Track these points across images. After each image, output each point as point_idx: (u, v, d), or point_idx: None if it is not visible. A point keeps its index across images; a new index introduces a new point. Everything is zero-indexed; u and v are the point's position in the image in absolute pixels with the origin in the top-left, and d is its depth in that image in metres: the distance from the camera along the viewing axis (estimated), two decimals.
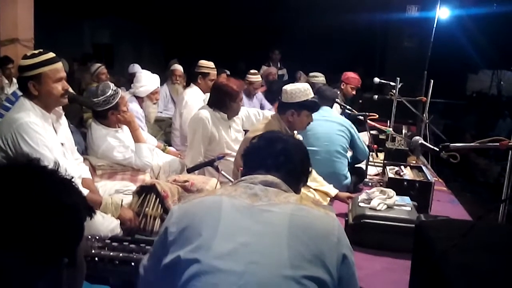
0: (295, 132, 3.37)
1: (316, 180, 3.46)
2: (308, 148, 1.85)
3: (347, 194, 3.48)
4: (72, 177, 1.01)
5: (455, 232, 1.32)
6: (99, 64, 6.57)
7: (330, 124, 4.03)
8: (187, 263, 1.40)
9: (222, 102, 3.70)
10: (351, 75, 5.91)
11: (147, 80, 4.58)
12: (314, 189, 3.42)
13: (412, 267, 1.64)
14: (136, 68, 6.69)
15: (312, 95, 3.33)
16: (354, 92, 5.85)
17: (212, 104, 3.74)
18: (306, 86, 3.36)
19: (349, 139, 4.04)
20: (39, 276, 0.91)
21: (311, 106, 3.32)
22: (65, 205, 0.95)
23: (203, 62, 5.16)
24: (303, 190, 3.18)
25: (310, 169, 1.81)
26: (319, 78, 5.91)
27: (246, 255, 1.38)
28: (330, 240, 1.43)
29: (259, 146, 1.75)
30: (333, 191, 3.46)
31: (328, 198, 3.40)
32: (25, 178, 0.94)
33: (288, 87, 3.34)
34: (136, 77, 4.69)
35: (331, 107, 4.30)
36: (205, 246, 1.40)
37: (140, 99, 4.58)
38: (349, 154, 4.19)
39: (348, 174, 3.97)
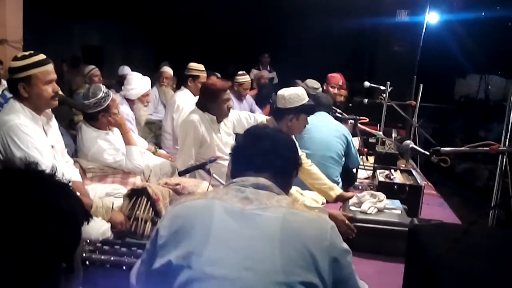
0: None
1: (319, 178, 3.42)
2: (303, 151, 1.83)
3: (351, 193, 3.32)
4: (69, 181, 1.00)
5: (448, 236, 1.33)
6: (92, 66, 6.53)
7: (327, 130, 4.04)
8: (178, 269, 1.38)
9: (206, 101, 3.69)
10: (330, 74, 5.77)
11: (138, 82, 4.57)
12: (315, 188, 3.41)
13: (406, 271, 1.64)
14: (126, 70, 6.67)
15: (307, 98, 3.34)
16: (335, 91, 5.64)
17: (199, 105, 3.74)
18: (302, 90, 3.36)
19: (345, 146, 4.05)
20: (37, 281, 0.91)
21: (308, 110, 3.33)
22: (63, 209, 0.94)
23: (193, 65, 5.15)
24: (295, 193, 3.20)
25: (300, 161, 1.78)
26: (318, 90, 5.70)
27: (238, 261, 1.37)
28: (322, 244, 1.42)
29: (245, 146, 1.71)
30: (337, 190, 3.39)
31: (321, 201, 3.39)
32: (23, 183, 0.94)
33: (284, 93, 3.30)
34: (127, 80, 4.67)
35: (328, 113, 4.30)
36: (197, 252, 1.39)
37: (131, 102, 4.57)
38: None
39: (340, 180, 3.98)
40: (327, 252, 1.41)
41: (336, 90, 5.68)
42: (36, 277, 0.90)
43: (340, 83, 5.77)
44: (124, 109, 4.34)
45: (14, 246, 0.88)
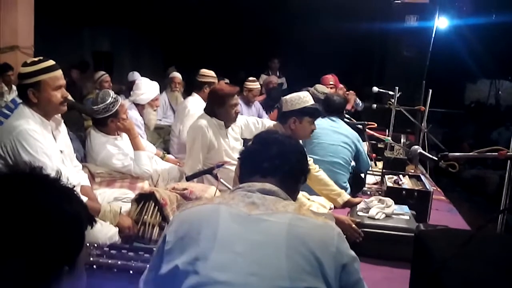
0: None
1: (327, 184, 3.41)
2: (310, 156, 1.82)
3: (359, 199, 3.32)
4: (74, 186, 1.01)
5: (455, 241, 1.32)
6: (102, 72, 6.59)
7: (337, 136, 4.03)
8: (185, 274, 1.38)
9: (214, 107, 3.71)
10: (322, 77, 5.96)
11: (147, 87, 4.60)
12: (323, 194, 3.40)
13: (412, 277, 1.63)
14: (135, 75, 6.69)
15: (312, 102, 3.34)
16: (334, 91, 5.66)
17: (207, 110, 3.76)
18: (305, 93, 3.37)
19: (353, 152, 4.04)
20: (40, 284, 0.91)
21: (312, 113, 3.32)
22: (67, 213, 0.95)
23: (208, 72, 5.14)
24: (302, 198, 3.19)
25: (308, 168, 1.77)
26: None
27: (244, 266, 1.37)
28: (328, 250, 1.41)
29: (254, 150, 1.72)
30: (345, 196, 3.38)
31: (328, 207, 3.37)
32: (27, 187, 0.95)
33: (287, 96, 3.35)
34: (136, 85, 4.70)
35: (340, 117, 4.28)
36: (203, 257, 1.39)
37: (140, 107, 4.60)
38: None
39: (348, 185, 3.97)
40: (333, 259, 1.40)
41: (334, 90, 5.75)
42: (38, 280, 0.91)
43: (331, 82, 5.83)
44: (133, 114, 4.37)
45: (17, 249, 0.89)
